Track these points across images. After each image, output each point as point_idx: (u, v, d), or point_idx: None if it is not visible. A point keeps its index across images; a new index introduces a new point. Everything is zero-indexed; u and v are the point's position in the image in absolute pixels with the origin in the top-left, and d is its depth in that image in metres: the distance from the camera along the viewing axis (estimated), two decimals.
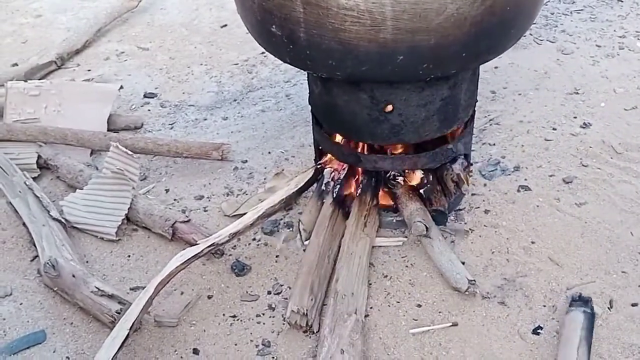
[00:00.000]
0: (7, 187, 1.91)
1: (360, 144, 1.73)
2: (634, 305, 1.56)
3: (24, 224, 1.81)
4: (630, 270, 1.65)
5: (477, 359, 1.47)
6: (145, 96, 2.49)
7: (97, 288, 1.52)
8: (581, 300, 1.54)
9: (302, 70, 2.54)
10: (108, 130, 2.21)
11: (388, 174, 1.77)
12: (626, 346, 1.47)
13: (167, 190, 2.02)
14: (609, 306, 1.57)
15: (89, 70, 2.68)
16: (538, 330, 1.52)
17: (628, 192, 1.88)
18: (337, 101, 1.62)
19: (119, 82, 2.57)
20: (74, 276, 1.56)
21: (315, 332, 1.54)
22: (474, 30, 1.33)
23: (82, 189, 1.93)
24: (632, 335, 1.49)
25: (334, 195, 1.84)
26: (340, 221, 1.79)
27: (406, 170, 1.76)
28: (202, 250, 1.60)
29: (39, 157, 2.07)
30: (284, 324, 1.57)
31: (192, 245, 1.65)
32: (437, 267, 1.67)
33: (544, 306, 1.58)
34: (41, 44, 2.91)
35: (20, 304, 1.68)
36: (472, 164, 1.90)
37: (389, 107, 1.56)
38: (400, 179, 1.77)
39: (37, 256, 1.78)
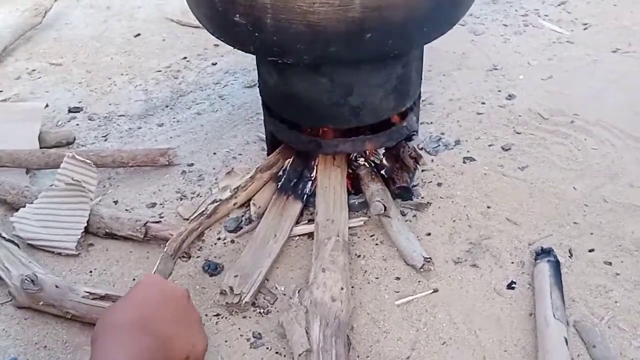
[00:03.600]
0: None
1: (320, 130, 1.76)
2: (590, 250, 1.69)
3: None
4: (580, 221, 1.78)
5: (464, 319, 1.53)
6: (70, 111, 2.38)
7: (88, 292, 1.46)
8: (544, 252, 1.65)
9: (229, 73, 2.53)
10: (40, 148, 2.10)
11: (350, 157, 1.81)
12: (593, 287, 1.59)
13: (115, 202, 1.95)
14: (569, 255, 1.69)
15: (1, 91, 2.52)
16: (512, 285, 1.61)
17: (563, 152, 2.03)
18: (295, 89, 1.64)
19: (37, 100, 2.44)
20: (57, 287, 1.48)
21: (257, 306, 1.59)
22: (434, 4, 1.40)
23: (24, 206, 1.82)
24: (595, 277, 1.62)
25: (280, 183, 1.86)
26: (291, 203, 1.81)
27: (367, 152, 1.80)
28: (206, 209, 1.73)
29: None
30: (267, 312, 1.57)
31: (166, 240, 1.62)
32: (395, 244, 1.73)
33: (512, 263, 1.67)
34: None
35: None
36: (422, 141, 1.99)
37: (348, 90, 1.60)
38: (361, 160, 1.81)
39: None
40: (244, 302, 1.54)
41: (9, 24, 2.88)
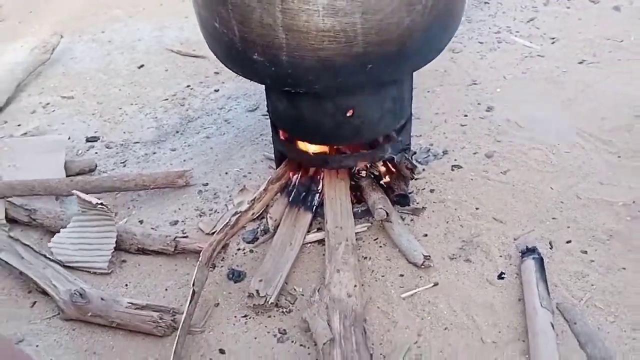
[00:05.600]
0: None
1: (326, 147, 1.98)
2: (568, 242, 1.93)
3: (20, 273, 1.88)
4: (558, 216, 2.02)
5: (462, 307, 1.76)
6: (88, 141, 2.58)
7: (130, 303, 1.67)
8: (529, 250, 1.87)
9: (232, 98, 2.74)
10: (66, 176, 2.29)
11: (353, 170, 2.03)
12: (572, 274, 1.83)
13: (141, 222, 2.15)
14: (549, 247, 1.92)
15: (19, 125, 2.71)
16: (502, 276, 1.84)
17: (539, 156, 2.27)
18: (303, 113, 1.87)
19: (55, 132, 2.64)
20: (102, 299, 1.68)
21: (279, 306, 1.80)
22: (424, 37, 1.63)
23: (59, 230, 2.02)
24: (574, 265, 1.85)
25: (291, 197, 2.07)
26: (302, 214, 2.03)
27: (367, 165, 2.02)
28: (229, 221, 1.93)
29: (6, 210, 2.12)
30: (289, 311, 1.79)
31: (197, 252, 1.84)
32: (397, 246, 1.96)
33: (501, 256, 1.90)
34: None
35: (37, 346, 1.76)
36: (415, 152, 2.22)
37: (350, 112, 1.82)
38: (363, 173, 2.04)
39: (35, 302, 1.88)
40: (269, 303, 1.75)
41: (19, 61, 3.08)
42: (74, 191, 2.03)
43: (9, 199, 2.13)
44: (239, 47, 1.64)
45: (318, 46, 1.54)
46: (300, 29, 1.51)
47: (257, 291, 1.76)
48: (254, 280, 1.80)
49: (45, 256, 1.88)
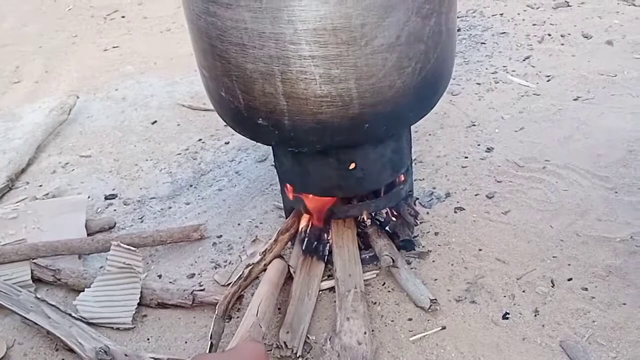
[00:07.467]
0: (16, 306, 2.06)
1: (332, 199, 2.08)
2: (569, 279, 2.00)
3: (48, 332, 1.98)
4: (558, 254, 2.10)
5: (469, 349, 1.83)
6: (106, 198, 2.70)
7: (153, 358, 1.77)
8: None
9: (242, 150, 2.86)
10: (87, 235, 2.41)
11: (359, 218, 2.13)
12: (574, 311, 1.90)
13: (159, 276, 2.25)
14: (551, 285, 1.99)
15: (41, 186, 2.84)
16: (507, 316, 1.92)
17: (538, 195, 2.36)
18: (308, 168, 1.97)
19: (75, 191, 2.77)
20: (126, 355, 1.78)
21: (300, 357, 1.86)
22: (416, 96, 1.73)
23: (84, 288, 2.12)
24: (575, 302, 1.92)
25: (304, 246, 2.17)
26: (315, 263, 2.12)
27: (372, 213, 2.12)
28: (242, 273, 2.02)
29: (32, 272, 2.23)
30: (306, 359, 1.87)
31: (214, 304, 1.93)
32: (404, 291, 2.04)
33: (504, 296, 1.98)
34: None
35: None
36: (417, 198, 2.32)
37: (352, 165, 1.93)
38: (368, 222, 2.13)
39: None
40: (296, 355, 1.83)
41: (38, 122, 3.23)
42: (112, 242, 2.14)
43: (34, 260, 2.25)
44: (245, 114, 1.76)
45: (317, 110, 1.65)
46: (300, 96, 1.63)
47: (285, 343, 1.84)
48: (282, 332, 1.87)
49: (70, 315, 1.98)
